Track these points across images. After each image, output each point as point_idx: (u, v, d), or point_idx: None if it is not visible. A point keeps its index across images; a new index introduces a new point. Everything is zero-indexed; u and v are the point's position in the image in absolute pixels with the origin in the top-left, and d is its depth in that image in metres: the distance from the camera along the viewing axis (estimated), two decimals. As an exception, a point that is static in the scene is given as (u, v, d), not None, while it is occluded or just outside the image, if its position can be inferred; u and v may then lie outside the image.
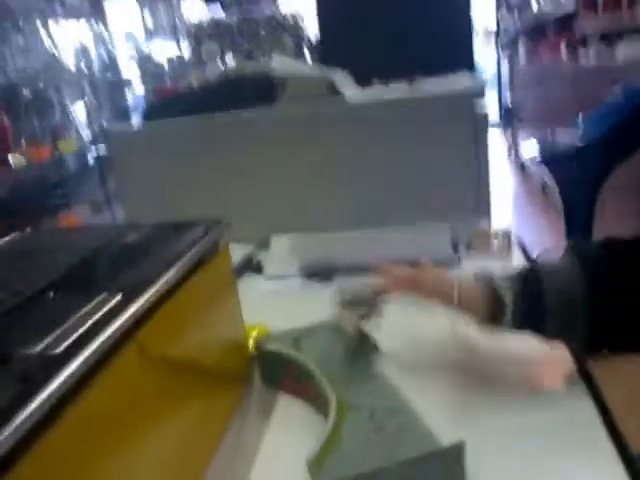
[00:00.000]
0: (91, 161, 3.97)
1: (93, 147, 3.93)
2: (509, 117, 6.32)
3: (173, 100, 1.24)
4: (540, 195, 4.25)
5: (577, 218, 2.33)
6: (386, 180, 1.12)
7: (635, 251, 0.61)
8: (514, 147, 5.61)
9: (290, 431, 0.61)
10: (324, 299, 0.91)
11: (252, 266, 1.05)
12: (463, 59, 1.34)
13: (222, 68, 1.30)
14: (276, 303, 0.93)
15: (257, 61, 1.25)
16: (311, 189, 1.15)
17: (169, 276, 0.50)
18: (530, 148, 2.35)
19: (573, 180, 2.16)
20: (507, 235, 1.04)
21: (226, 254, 0.64)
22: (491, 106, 7.93)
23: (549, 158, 2.19)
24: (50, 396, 0.34)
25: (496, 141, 6.87)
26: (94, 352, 0.38)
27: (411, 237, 0.96)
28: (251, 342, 0.70)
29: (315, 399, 0.61)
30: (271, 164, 1.16)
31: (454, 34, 1.40)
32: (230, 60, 1.36)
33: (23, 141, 3.42)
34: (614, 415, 0.58)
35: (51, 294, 0.48)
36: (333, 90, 1.13)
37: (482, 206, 1.12)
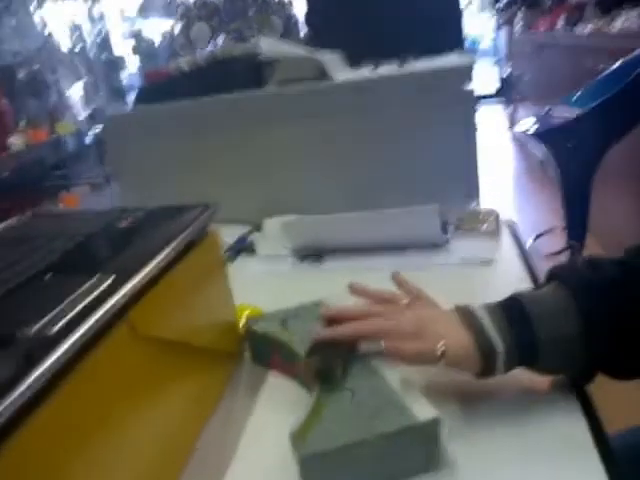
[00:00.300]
0: (89, 141, 3.98)
1: (90, 127, 3.94)
2: (508, 90, 6.26)
3: (164, 84, 1.26)
4: (540, 172, 4.25)
5: (573, 195, 2.33)
6: (376, 161, 1.14)
7: (623, 272, 0.56)
8: (513, 122, 5.57)
9: (277, 406, 0.63)
10: (314, 280, 0.95)
11: (245, 247, 1.08)
12: (452, 39, 1.35)
13: (211, 50, 1.31)
14: (268, 283, 0.96)
15: (246, 42, 1.26)
16: (302, 171, 1.17)
17: (159, 259, 0.53)
18: (527, 123, 2.32)
19: (569, 155, 2.15)
20: (496, 215, 1.06)
21: (215, 237, 0.66)
22: (490, 79, 7.89)
23: (544, 132, 2.17)
24: (45, 374, 0.36)
25: (497, 116, 6.85)
26: (87, 332, 0.41)
27: (401, 219, 0.97)
28: (242, 322, 0.73)
29: (300, 376, 0.64)
30: (263, 147, 1.18)
31: (443, 14, 1.41)
32: (220, 41, 1.37)
33: (21, 123, 3.43)
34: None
35: (47, 277, 0.51)
36: (322, 72, 1.15)
37: (471, 186, 1.14)
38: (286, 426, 0.51)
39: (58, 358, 0.38)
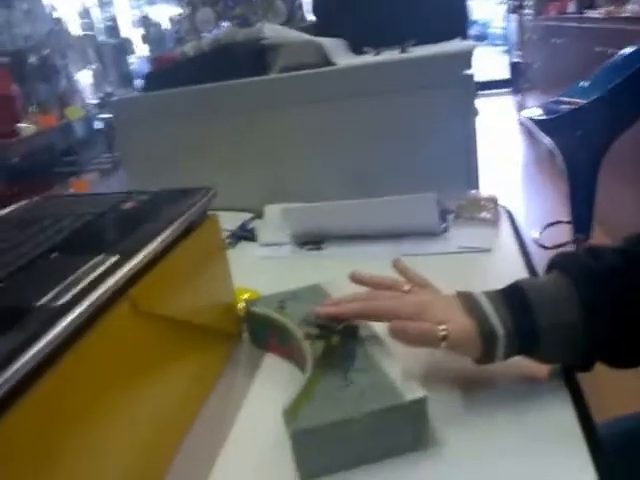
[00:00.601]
0: (98, 127, 4.00)
1: (99, 113, 3.96)
2: (517, 79, 6.21)
3: (169, 70, 1.28)
4: (549, 162, 4.23)
5: (579, 186, 2.30)
6: (377, 147, 1.15)
7: (624, 261, 0.56)
8: (522, 110, 5.53)
9: (273, 386, 0.65)
10: (313, 266, 0.97)
11: (246, 234, 1.10)
12: (456, 27, 1.36)
13: (215, 35, 1.33)
14: (267, 269, 0.98)
15: (250, 27, 1.28)
16: (305, 158, 1.19)
17: (161, 239, 0.55)
18: (534, 110, 2.30)
19: (575, 143, 2.13)
20: (495, 202, 1.06)
21: (215, 220, 0.69)
22: (500, 67, 7.82)
23: (550, 120, 2.15)
24: (50, 343, 0.39)
25: (506, 106, 6.80)
26: (90, 305, 0.43)
27: (399, 207, 0.99)
28: (241, 305, 0.75)
29: (296, 358, 0.67)
30: (266, 133, 1.20)
31: (446, 2, 1.42)
32: (225, 27, 1.39)
33: (31, 108, 3.46)
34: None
35: (54, 255, 0.54)
36: (325, 58, 1.16)
37: (471, 171, 1.15)
38: (281, 403, 0.53)
39: (63, 329, 0.40)
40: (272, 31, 1.25)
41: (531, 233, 2.77)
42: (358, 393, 0.54)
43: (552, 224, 2.78)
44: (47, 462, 0.39)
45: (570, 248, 2.42)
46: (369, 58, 1.26)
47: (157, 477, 0.53)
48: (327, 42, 1.21)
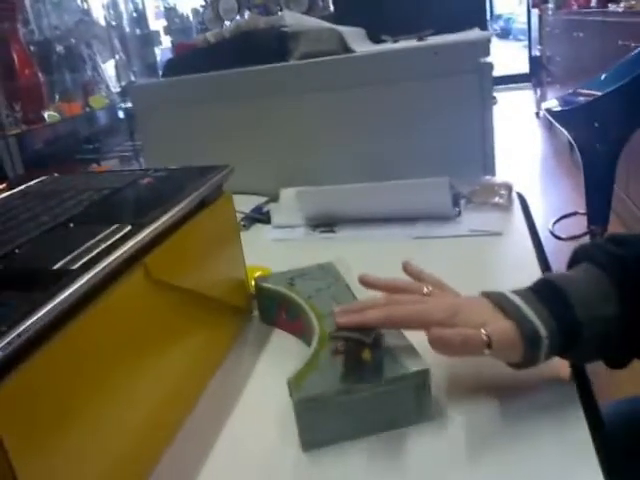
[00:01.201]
0: (120, 116, 4.05)
1: (122, 101, 4.01)
2: (539, 71, 6.17)
3: (190, 56, 1.30)
4: (567, 154, 4.22)
5: (596, 178, 2.28)
6: (394, 133, 1.17)
7: None
8: (543, 104, 5.50)
9: (280, 361, 0.67)
10: (326, 248, 0.98)
11: (261, 217, 1.12)
12: (474, 18, 1.36)
13: (236, 22, 1.35)
14: (280, 250, 1.00)
15: (272, 16, 1.30)
16: (321, 143, 1.21)
17: (174, 211, 0.57)
18: (552, 102, 2.28)
19: (592, 135, 2.11)
20: (509, 188, 1.07)
21: (229, 197, 0.71)
22: (522, 60, 7.78)
23: (567, 111, 2.13)
24: (65, 302, 0.41)
25: (526, 99, 6.78)
26: (103, 269, 0.45)
27: (412, 190, 1.00)
28: (253, 282, 0.77)
29: (304, 333, 0.68)
30: (284, 118, 1.22)
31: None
32: (246, 15, 1.41)
33: (56, 96, 3.52)
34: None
35: (71, 225, 0.56)
36: (344, 45, 1.18)
37: (487, 158, 1.16)
38: (287, 375, 0.54)
39: (78, 289, 0.42)
40: (292, 19, 1.26)
41: (549, 225, 2.75)
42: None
43: (567, 215, 2.75)
44: (57, 415, 0.41)
45: (585, 239, 2.40)
46: (387, 46, 1.27)
47: (165, 441, 0.55)
48: (346, 30, 1.22)
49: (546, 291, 0.52)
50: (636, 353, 0.52)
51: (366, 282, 0.64)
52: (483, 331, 0.50)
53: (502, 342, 0.50)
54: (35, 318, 0.38)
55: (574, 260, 0.57)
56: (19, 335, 0.37)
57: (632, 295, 0.50)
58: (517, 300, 0.52)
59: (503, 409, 0.55)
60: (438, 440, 0.52)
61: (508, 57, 8.60)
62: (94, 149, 3.71)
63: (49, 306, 0.39)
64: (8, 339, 0.36)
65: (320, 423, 0.53)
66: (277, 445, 0.55)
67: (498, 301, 0.53)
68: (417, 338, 0.56)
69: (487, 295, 0.55)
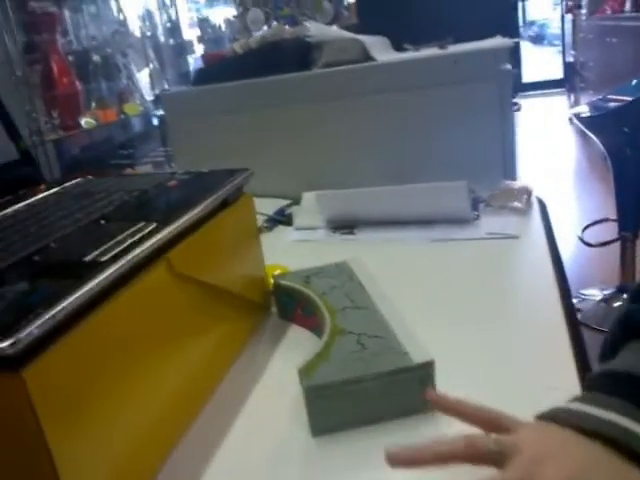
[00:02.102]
0: (154, 122, 4.14)
1: (156, 109, 4.10)
2: (572, 77, 6.12)
3: (218, 65, 1.35)
4: (600, 160, 4.16)
5: (627, 182, 2.24)
6: (414, 139, 1.20)
7: None
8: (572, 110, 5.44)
9: (295, 354, 0.68)
10: (345, 249, 1.01)
11: (283, 219, 1.16)
12: (506, 24, 1.38)
13: (262, 33, 1.40)
14: (300, 251, 1.03)
15: (297, 26, 1.34)
16: (344, 149, 1.25)
17: (197, 210, 0.62)
18: (583, 108, 2.27)
19: (621, 140, 2.08)
20: (528, 192, 1.09)
21: (249, 199, 0.75)
22: (556, 65, 7.72)
23: (597, 117, 2.12)
24: (94, 289, 0.45)
25: (560, 104, 6.71)
26: (129, 261, 0.50)
27: (430, 194, 1.03)
28: (271, 280, 0.81)
29: (318, 328, 0.71)
30: (308, 125, 1.26)
31: (496, 5, 1.45)
32: (273, 26, 1.47)
33: (92, 104, 3.62)
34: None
35: (102, 222, 0.61)
36: (366, 54, 1.21)
37: (508, 164, 1.18)
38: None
39: (107, 277, 0.47)
40: (316, 29, 1.30)
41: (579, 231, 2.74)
42: (370, 356, 0.58)
43: (597, 222, 2.73)
44: (84, 395, 0.45)
45: (616, 246, 2.38)
46: (408, 54, 1.30)
47: (184, 426, 0.59)
48: (369, 40, 1.26)
49: (624, 385, 0.44)
50: None
51: (446, 407, 0.52)
52: None
53: None
54: (68, 302, 0.43)
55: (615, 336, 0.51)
56: (53, 316, 0.41)
57: None
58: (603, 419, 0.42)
59: (507, 399, 0.54)
60: (443, 428, 0.54)
61: (542, 62, 8.56)
62: (128, 155, 3.80)
63: (80, 292, 0.44)
64: (43, 319, 0.40)
65: (328, 410, 0.57)
66: (288, 430, 0.58)
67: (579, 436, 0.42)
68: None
69: (564, 425, 0.43)
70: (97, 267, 0.48)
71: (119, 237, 0.54)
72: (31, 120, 3.01)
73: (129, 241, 0.53)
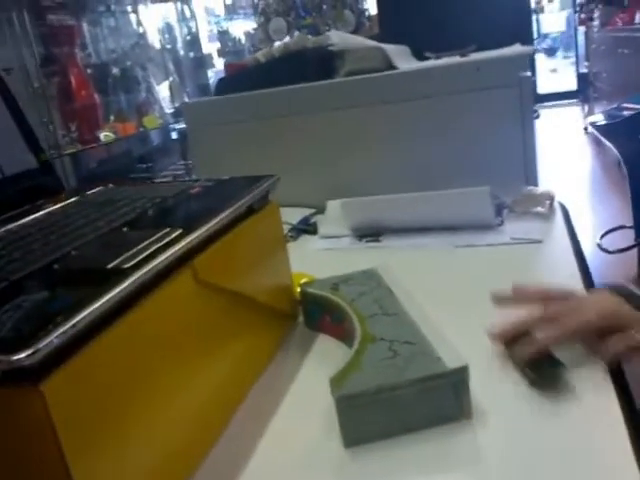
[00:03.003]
0: (173, 136, 4.16)
1: (175, 122, 4.11)
2: (586, 88, 6.12)
3: (241, 75, 1.34)
4: (615, 168, 4.14)
5: None
6: (437, 147, 1.18)
7: None
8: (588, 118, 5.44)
9: (325, 364, 0.67)
10: (370, 256, 0.99)
11: (308, 228, 1.15)
12: (521, 35, 1.37)
13: (285, 42, 1.39)
14: (326, 259, 1.02)
15: (319, 35, 1.33)
16: (367, 157, 1.23)
17: (222, 217, 0.60)
18: (598, 117, 2.27)
19: (636, 147, 2.08)
20: (551, 197, 1.08)
21: (275, 207, 0.73)
22: (570, 76, 7.73)
23: (612, 125, 2.12)
24: (118, 297, 0.43)
25: (574, 115, 6.70)
26: (153, 268, 0.47)
27: (453, 200, 1.02)
28: (298, 289, 0.78)
29: (347, 337, 0.69)
30: (332, 134, 1.24)
31: (511, 11, 1.44)
32: (295, 35, 1.45)
33: (111, 117, 3.63)
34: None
35: (125, 229, 0.59)
36: (389, 63, 1.20)
37: (529, 170, 1.16)
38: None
39: (129, 285, 0.45)
40: (339, 38, 1.29)
41: (597, 239, 2.72)
42: (402, 363, 0.56)
43: (614, 229, 2.72)
44: (106, 407, 0.43)
45: (633, 253, 2.37)
46: (430, 63, 1.28)
47: (213, 437, 0.57)
48: (391, 48, 1.25)
49: None
50: None
51: (519, 294, 0.68)
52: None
53: None
54: (89, 310, 0.40)
55: None
56: (74, 325, 0.39)
57: None
58: None
59: (540, 406, 0.55)
60: (479, 436, 0.53)
61: (556, 74, 8.59)
62: (147, 168, 3.81)
63: (102, 300, 0.42)
64: (63, 329, 0.38)
65: (360, 420, 0.55)
66: (320, 441, 0.56)
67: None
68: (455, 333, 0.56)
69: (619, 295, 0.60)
70: (120, 274, 0.46)
71: (143, 244, 0.52)
72: (49, 133, 3.02)
73: (153, 247, 0.51)
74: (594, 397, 0.55)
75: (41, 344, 0.36)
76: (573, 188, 4.15)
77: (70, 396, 0.40)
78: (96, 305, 0.41)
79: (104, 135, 3.37)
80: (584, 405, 0.54)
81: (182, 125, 3.88)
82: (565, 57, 9.77)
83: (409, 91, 1.17)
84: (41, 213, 0.70)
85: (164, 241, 0.53)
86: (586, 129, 5.77)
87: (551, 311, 0.63)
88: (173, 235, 0.54)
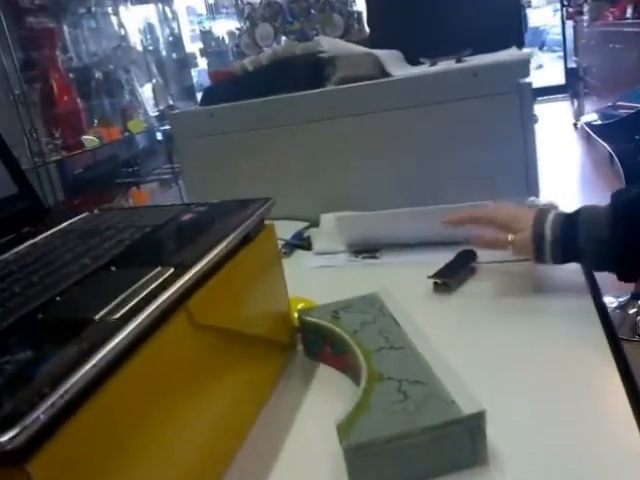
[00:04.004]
0: (159, 138, 4.10)
1: (160, 125, 4.06)
2: (575, 83, 6.12)
3: (228, 83, 1.30)
4: (605, 166, 4.15)
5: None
6: (435, 157, 1.15)
7: None
8: (580, 115, 5.45)
9: (327, 398, 0.65)
10: (369, 274, 0.97)
11: (302, 242, 1.11)
12: (512, 34, 1.34)
13: (273, 49, 1.35)
14: (322, 278, 0.98)
15: (309, 41, 1.29)
16: (362, 168, 1.19)
17: (217, 251, 0.56)
18: (592, 116, 2.26)
19: (633, 147, 2.08)
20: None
21: (271, 230, 0.69)
22: (557, 71, 7.73)
23: (608, 125, 2.11)
24: (107, 356, 0.39)
25: (562, 111, 6.70)
26: (147, 318, 0.44)
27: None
28: (296, 315, 0.75)
29: (350, 370, 0.66)
30: (323, 144, 1.20)
31: (502, 10, 1.41)
32: (283, 41, 1.41)
33: (95, 121, 3.57)
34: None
35: (113, 268, 0.55)
36: (382, 70, 1.16)
37: (530, 180, 1.13)
38: (334, 417, 0.53)
39: (120, 341, 0.41)
40: (329, 44, 1.25)
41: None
42: (414, 407, 0.53)
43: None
44: (102, 471, 0.40)
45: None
46: (425, 69, 1.25)
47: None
48: (383, 54, 1.21)
49: (571, 216, 0.74)
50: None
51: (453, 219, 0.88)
52: (510, 237, 0.78)
53: (519, 244, 0.78)
54: (78, 376, 0.37)
55: None
56: (62, 396, 0.35)
57: (623, 222, 0.69)
58: (548, 219, 0.75)
59: (559, 446, 0.53)
60: None
61: (543, 68, 8.58)
62: (133, 172, 3.75)
63: (92, 361, 0.38)
64: (51, 401, 0.35)
65: (372, 470, 0.51)
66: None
67: (537, 216, 0.77)
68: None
69: (538, 211, 0.78)
70: (110, 327, 0.42)
71: (132, 287, 0.48)
72: (32, 141, 2.95)
73: (144, 292, 0.47)
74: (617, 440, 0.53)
75: (27, 421, 0.33)
76: (562, 185, 4.15)
77: (60, 471, 0.36)
78: (85, 369, 0.37)
79: (88, 140, 3.30)
80: (605, 456, 0.52)
81: (167, 127, 3.83)
82: (551, 51, 9.78)
83: (404, 99, 1.13)
84: (24, 246, 0.65)
85: (155, 283, 0.49)
86: (575, 125, 5.77)
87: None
88: (165, 275, 0.51)
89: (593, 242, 0.71)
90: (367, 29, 1.53)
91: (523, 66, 1.07)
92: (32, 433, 0.33)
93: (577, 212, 0.74)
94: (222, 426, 0.56)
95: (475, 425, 0.52)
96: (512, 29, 1.37)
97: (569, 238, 0.73)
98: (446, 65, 1.23)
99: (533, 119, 1.09)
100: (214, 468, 0.54)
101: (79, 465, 0.38)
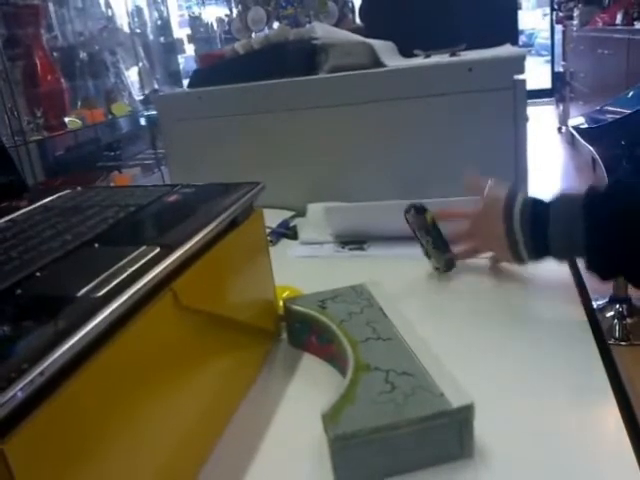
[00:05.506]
0: (142, 122, 4.05)
1: (145, 109, 4.01)
2: (562, 87, 6.16)
3: (218, 67, 1.27)
4: (589, 171, 4.18)
5: None
6: (424, 149, 1.13)
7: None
8: (565, 120, 5.49)
9: (311, 387, 0.64)
10: (355, 266, 0.96)
11: (288, 231, 1.09)
12: (506, 33, 1.33)
13: (265, 34, 1.32)
14: (308, 268, 0.97)
15: (302, 27, 1.27)
16: (350, 159, 1.18)
17: (204, 233, 0.54)
18: (578, 120, 2.27)
19: (618, 152, 2.09)
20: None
21: (260, 215, 0.68)
22: (544, 75, 7.77)
23: (595, 129, 2.12)
24: (89, 335, 0.38)
25: (547, 115, 6.74)
26: (131, 297, 0.42)
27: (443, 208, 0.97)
28: (281, 303, 0.74)
29: (336, 359, 0.65)
30: (312, 133, 1.19)
31: (497, 8, 1.40)
32: (275, 26, 1.40)
33: (78, 103, 3.51)
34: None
35: (96, 245, 0.53)
36: (375, 59, 1.15)
37: (520, 176, 1.13)
38: (319, 407, 0.52)
39: (102, 320, 0.39)
40: (323, 31, 1.23)
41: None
42: (402, 398, 0.52)
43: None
44: (80, 453, 0.38)
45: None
46: (419, 61, 1.24)
47: (191, 472, 0.52)
48: (377, 44, 1.19)
49: (539, 214, 0.75)
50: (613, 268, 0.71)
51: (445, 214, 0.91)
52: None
53: (500, 257, 0.85)
54: (58, 354, 0.35)
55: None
56: (41, 373, 0.34)
57: (594, 221, 0.69)
58: (517, 225, 0.76)
59: (545, 441, 0.53)
60: (481, 475, 0.50)
61: (530, 72, 8.61)
62: (115, 156, 3.70)
63: (73, 340, 0.36)
64: (30, 378, 0.33)
65: (357, 461, 0.50)
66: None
67: (505, 218, 0.78)
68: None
69: (504, 209, 0.79)
70: (92, 305, 0.40)
71: (117, 265, 0.47)
72: (13, 119, 2.89)
73: (128, 271, 0.46)
74: (606, 446, 0.53)
75: (3, 398, 0.31)
76: (546, 188, 4.17)
77: (37, 451, 0.35)
78: (66, 347, 0.36)
79: (70, 121, 3.25)
80: (591, 451, 0.51)
81: (152, 112, 3.78)
82: (539, 55, 9.83)
83: (397, 90, 1.12)
84: (2, 221, 0.63)
85: (141, 262, 0.47)
86: (560, 129, 5.81)
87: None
88: (151, 254, 0.49)
89: (561, 237, 0.72)
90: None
91: (518, 62, 1.06)
92: (9, 411, 0.32)
93: (546, 211, 0.74)
94: (203, 412, 0.55)
95: (463, 418, 0.51)
96: (507, 27, 1.36)
97: (539, 237, 0.74)
98: (440, 58, 1.22)
99: (525, 117, 1.09)
100: (195, 453, 0.53)
101: (56, 446, 0.36)
